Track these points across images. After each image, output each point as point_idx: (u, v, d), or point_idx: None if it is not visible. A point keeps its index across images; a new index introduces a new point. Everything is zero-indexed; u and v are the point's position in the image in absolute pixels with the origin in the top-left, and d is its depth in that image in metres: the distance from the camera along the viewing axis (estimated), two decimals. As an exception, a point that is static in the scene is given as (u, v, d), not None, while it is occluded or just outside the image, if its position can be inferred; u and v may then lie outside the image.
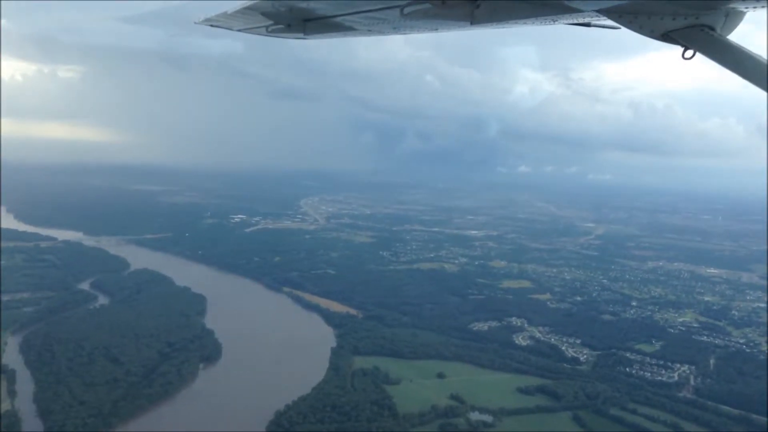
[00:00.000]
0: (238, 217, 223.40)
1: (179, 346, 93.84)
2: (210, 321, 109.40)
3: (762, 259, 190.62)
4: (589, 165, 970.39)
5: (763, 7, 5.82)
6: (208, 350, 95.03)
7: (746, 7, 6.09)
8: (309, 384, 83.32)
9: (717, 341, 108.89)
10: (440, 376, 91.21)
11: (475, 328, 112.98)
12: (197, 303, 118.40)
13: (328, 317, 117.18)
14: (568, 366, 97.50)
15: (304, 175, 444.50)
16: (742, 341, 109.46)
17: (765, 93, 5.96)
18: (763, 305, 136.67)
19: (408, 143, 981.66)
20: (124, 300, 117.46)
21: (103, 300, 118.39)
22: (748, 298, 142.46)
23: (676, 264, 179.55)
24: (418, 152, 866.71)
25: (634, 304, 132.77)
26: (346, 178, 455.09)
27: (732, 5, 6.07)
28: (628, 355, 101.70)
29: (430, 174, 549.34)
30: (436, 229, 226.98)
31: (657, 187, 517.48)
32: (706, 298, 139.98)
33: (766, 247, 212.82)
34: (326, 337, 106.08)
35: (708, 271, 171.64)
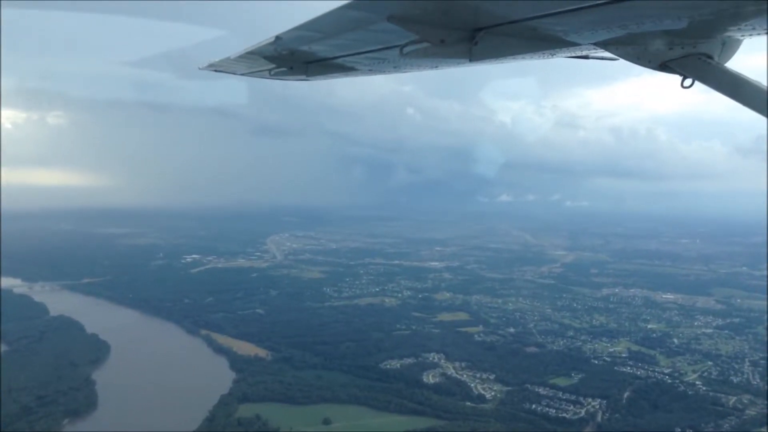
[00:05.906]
0: (189, 258, 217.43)
1: (49, 399, 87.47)
2: (101, 371, 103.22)
3: (726, 283, 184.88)
4: (575, 192, 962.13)
5: (759, 34, 5.62)
6: (80, 403, 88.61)
7: (743, 35, 5.98)
8: (173, 438, 77.20)
9: (639, 372, 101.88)
10: (326, 422, 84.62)
11: (386, 367, 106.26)
12: (97, 351, 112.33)
13: (235, 361, 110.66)
14: (471, 404, 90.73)
15: (284, 212, 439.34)
16: (667, 371, 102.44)
17: (758, 115, 5.91)
18: (709, 331, 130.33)
19: (392, 176, 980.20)
20: (20, 350, 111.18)
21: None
22: (695, 324, 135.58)
23: (632, 290, 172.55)
24: (402, 185, 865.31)
25: (570, 334, 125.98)
26: (327, 213, 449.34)
27: (729, 34, 5.94)
28: (539, 390, 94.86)
29: (413, 206, 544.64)
30: (396, 262, 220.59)
31: (642, 212, 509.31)
32: (649, 326, 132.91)
33: (736, 270, 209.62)
34: (222, 382, 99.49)
35: (664, 296, 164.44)
